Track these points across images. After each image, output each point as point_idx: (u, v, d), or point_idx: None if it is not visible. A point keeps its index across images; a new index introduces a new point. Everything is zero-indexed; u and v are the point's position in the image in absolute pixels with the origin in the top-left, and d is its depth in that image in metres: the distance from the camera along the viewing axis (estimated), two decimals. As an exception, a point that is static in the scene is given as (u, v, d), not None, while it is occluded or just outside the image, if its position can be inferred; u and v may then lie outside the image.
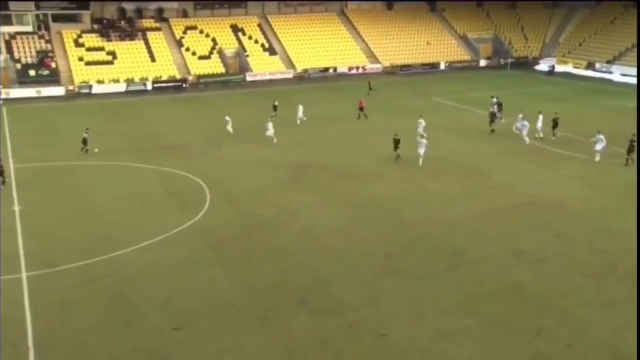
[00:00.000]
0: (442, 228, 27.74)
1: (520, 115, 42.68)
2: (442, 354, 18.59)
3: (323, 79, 70.68)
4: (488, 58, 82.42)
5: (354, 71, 75.17)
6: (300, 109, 47.91)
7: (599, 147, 36.93)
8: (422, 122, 41.43)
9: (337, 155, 39.11)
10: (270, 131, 41.86)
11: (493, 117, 44.78)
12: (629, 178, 34.17)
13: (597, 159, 36.86)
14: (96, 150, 39.41)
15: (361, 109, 49.17)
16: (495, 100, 47.51)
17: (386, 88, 65.61)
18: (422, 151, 36.31)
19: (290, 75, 72.03)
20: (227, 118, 44.96)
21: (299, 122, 47.33)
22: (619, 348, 18.68)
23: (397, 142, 37.27)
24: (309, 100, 55.65)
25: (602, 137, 37.00)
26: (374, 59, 78.08)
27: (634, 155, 35.78)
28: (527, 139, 40.95)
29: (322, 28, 79.78)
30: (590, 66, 75.73)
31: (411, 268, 23.88)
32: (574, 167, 36.22)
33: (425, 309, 20.92)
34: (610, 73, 72.48)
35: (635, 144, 35.78)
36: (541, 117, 42.36)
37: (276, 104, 49.93)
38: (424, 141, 36.44)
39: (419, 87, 65.74)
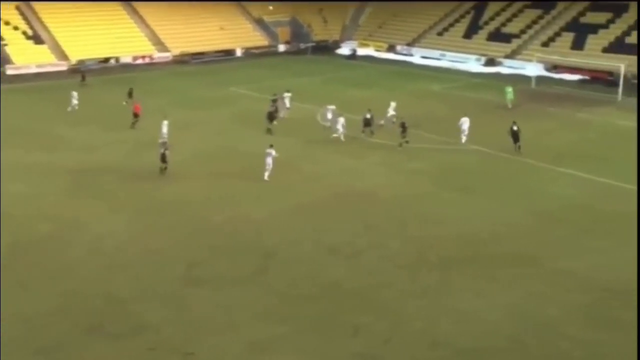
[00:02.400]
0: (249, 228, 28.11)
1: (332, 107, 43.48)
2: (257, 366, 18.85)
3: (103, 71, 68.03)
4: (287, 42, 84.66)
5: (140, 61, 73.32)
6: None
7: (464, 126, 40.54)
8: (166, 123, 40.09)
9: (127, 157, 37.94)
10: None
11: (271, 115, 44.10)
12: (436, 162, 37.07)
13: (463, 140, 40.36)
14: None
15: (135, 115, 44.61)
16: (275, 96, 47.10)
17: (178, 79, 64.94)
18: (269, 160, 33.40)
19: (64, 67, 68.38)
20: None
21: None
22: (434, 336, 20.20)
23: (164, 156, 34.59)
24: (89, 95, 53.34)
25: (465, 118, 40.65)
26: (161, 46, 76.69)
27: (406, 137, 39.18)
28: (341, 136, 40.75)
29: (99, 13, 76.46)
30: (391, 48, 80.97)
31: (218, 275, 23.92)
32: (383, 155, 38.53)
33: (236, 318, 21.07)
34: (411, 55, 78.11)
35: (404, 124, 39.40)
36: (393, 104, 44.53)
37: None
38: (272, 152, 33.53)
39: (215, 77, 65.82)
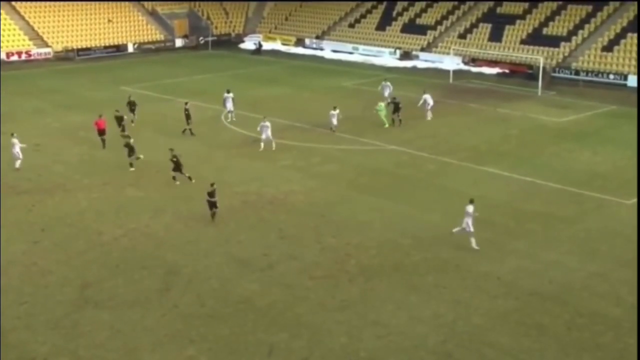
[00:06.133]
0: (149, 242, 27.80)
1: (264, 123, 40.03)
2: (163, 394, 18.63)
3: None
4: (185, 36, 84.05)
5: (15, 57, 71.25)
6: None
7: (334, 120, 42.27)
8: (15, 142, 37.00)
9: (4, 167, 36.73)
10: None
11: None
12: (351, 164, 37.59)
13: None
14: None
15: (101, 132, 40.53)
16: (118, 112, 43.26)
17: (61, 77, 63.44)
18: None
19: None
20: None
21: None
22: (356, 352, 20.45)
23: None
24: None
25: (337, 112, 42.40)
26: (40, 41, 74.71)
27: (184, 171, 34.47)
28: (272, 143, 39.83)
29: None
30: (300, 42, 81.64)
31: (115, 296, 23.54)
32: (294, 157, 38.77)
33: (137, 343, 20.76)
34: (321, 49, 78.99)
35: (176, 160, 33.95)
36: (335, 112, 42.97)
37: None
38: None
39: (104, 75, 64.81)
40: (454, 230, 27.46)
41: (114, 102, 50.77)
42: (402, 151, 39.77)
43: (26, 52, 72.49)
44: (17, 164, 36.25)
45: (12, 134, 37.44)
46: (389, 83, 50.70)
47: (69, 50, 74.46)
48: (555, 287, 24.06)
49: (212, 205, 29.56)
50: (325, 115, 43.63)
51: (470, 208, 26.94)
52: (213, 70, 67.33)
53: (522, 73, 63.30)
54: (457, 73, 63.01)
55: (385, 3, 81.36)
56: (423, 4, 78.86)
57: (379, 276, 25.02)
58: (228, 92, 46.66)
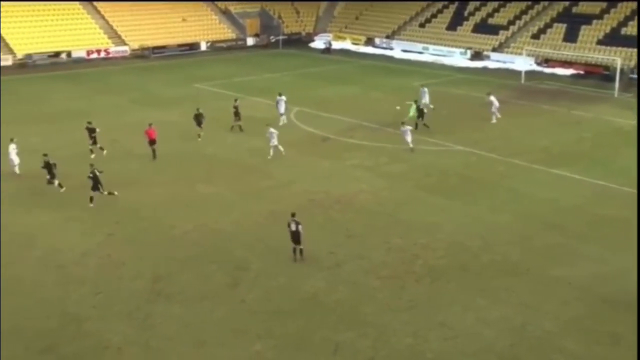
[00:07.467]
0: (219, 238, 28.12)
1: (272, 130, 38.60)
2: (230, 388, 18.85)
3: (53, 66, 67.63)
4: (256, 35, 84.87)
5: (95, 55, 73.06)
6: None
7: (408, 138, 39.30)
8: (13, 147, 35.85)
9: (79, 161, 37.57)
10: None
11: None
12: (419, 164, 37.32)
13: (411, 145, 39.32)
14: None
15: (152, 142, 38.40)
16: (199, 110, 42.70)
17: (137, 75, 64.82)
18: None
19: (9, 62, 67.89)
20: None
21: None
22: (421, 354, 20.30)
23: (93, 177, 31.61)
24: (34, 93, 53.07)
25: (408, 128, 39.63)
26: (118, 39, 76.44)
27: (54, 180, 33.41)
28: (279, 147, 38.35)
29: (48, 3, 76.16)
30: (370, 42, 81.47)
31: (185, 289, 23.90)
32: (363, 157, 38.67)
33: (206, 337, 21.04)
34: (391, 49, 78.67)
35: (94, 176, 31.21)
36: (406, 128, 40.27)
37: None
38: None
39: (177, 72, 65.85)
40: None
41: (186, 99, 51.74)
42: (471, 152, 39.29)
43: (105, 50, 74.22)
44: (17, 169, 35.38)
45: (11, 139, 35.90)
46: (426, 89, 49.26)
47: (145, 48, 75.94)
48: (630, 295, 23.31)
49: (297, 238, 26.09)
50: (394, 115, 43.41)
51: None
52: (283, 69, 67.78)
53: (597, 74, 61.84)
54: (529, 74, 61.94)
55: (456, 3, 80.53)
56: (495, 3, 77.75)
57: (446, 277, 24.79)
58: (280, 95, 45.75)
